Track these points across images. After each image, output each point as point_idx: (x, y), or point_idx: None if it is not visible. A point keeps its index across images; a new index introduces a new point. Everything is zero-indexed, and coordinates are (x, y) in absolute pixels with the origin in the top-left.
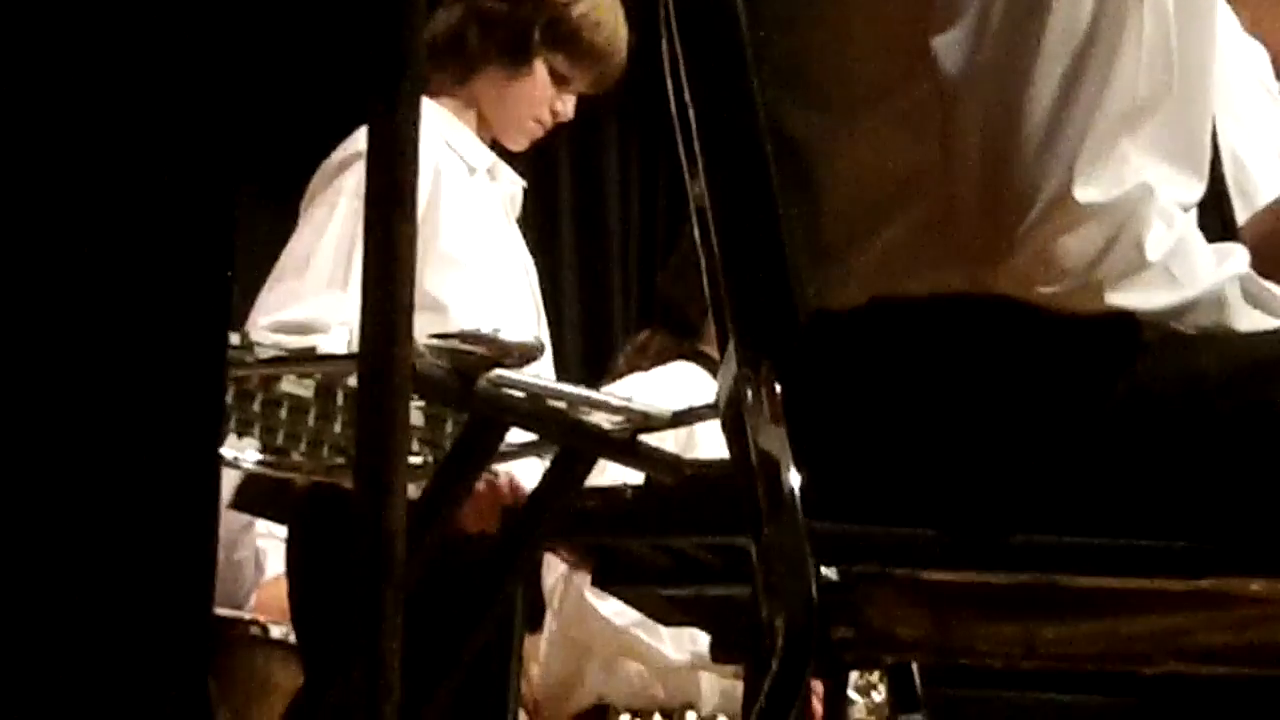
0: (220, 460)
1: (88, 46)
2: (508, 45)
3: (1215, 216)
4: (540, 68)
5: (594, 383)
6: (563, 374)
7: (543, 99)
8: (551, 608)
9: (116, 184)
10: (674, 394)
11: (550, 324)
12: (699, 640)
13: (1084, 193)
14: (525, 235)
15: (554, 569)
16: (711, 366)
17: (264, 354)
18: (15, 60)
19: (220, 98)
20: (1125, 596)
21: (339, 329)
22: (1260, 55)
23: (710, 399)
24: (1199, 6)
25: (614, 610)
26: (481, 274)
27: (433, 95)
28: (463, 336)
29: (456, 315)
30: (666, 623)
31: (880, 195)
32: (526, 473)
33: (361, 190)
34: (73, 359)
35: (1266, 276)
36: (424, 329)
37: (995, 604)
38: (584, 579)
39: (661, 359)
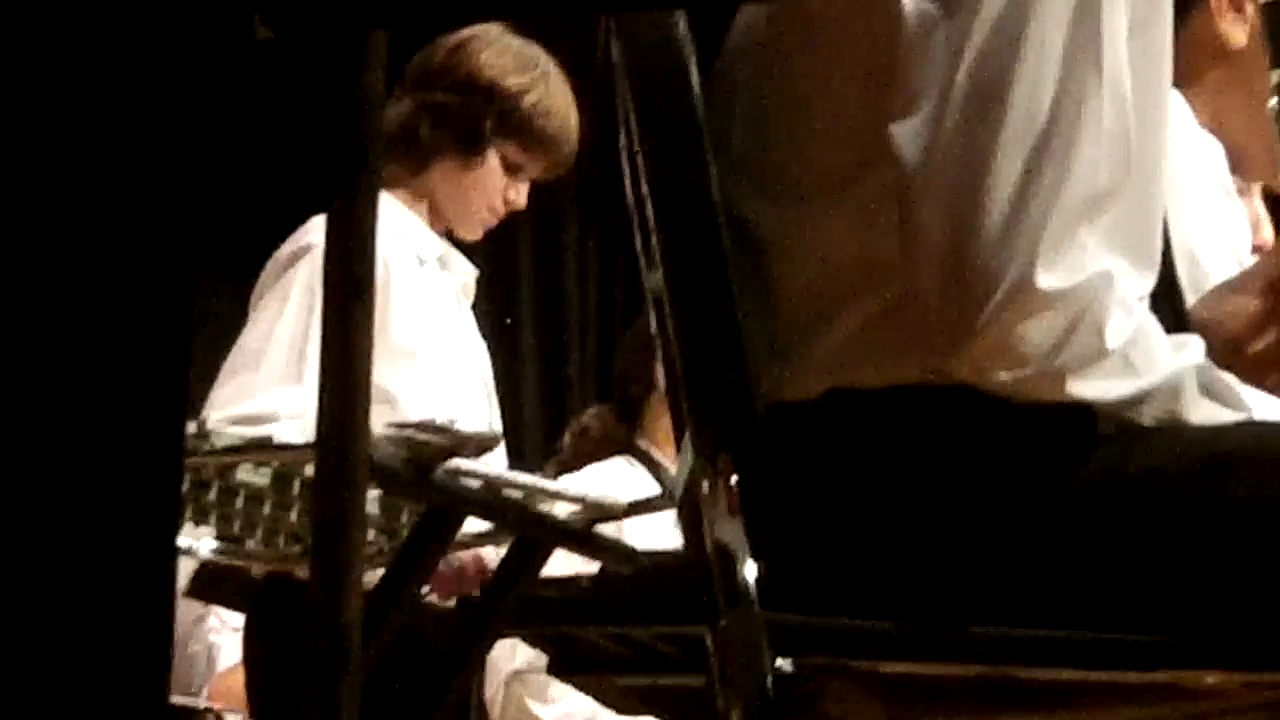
0: (177, 550)
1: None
2: (460, 136)
3: (1168, 309)
4: (493, 157)
5: (544, 464)
6: (522, 458)
7: (496, 188)
8: (492, 715)
9: (76, 267)
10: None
11: (508, 408)
12: None
13: (1045, 280)
14: (483, 320)
15: (495, 677)
16: (647, 462)
17: (220, 443)
18: None
19: (182, 186)
20: (1081, 688)
21: (290, 421)
22: (1215, 150)
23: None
24: (1153, 99)
25: (555, 715)
26: (432, 365)
27: (386, 187)
28: (419, 426)
29: (406, 406)
30: (623, 711)
31: (837, 285)
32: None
33: (313, 283)
34: (28, 447)
35: (1217, 362)
36: (375, 420)
37: (951, 696)
38: (524, 686)
39: (602, 447)
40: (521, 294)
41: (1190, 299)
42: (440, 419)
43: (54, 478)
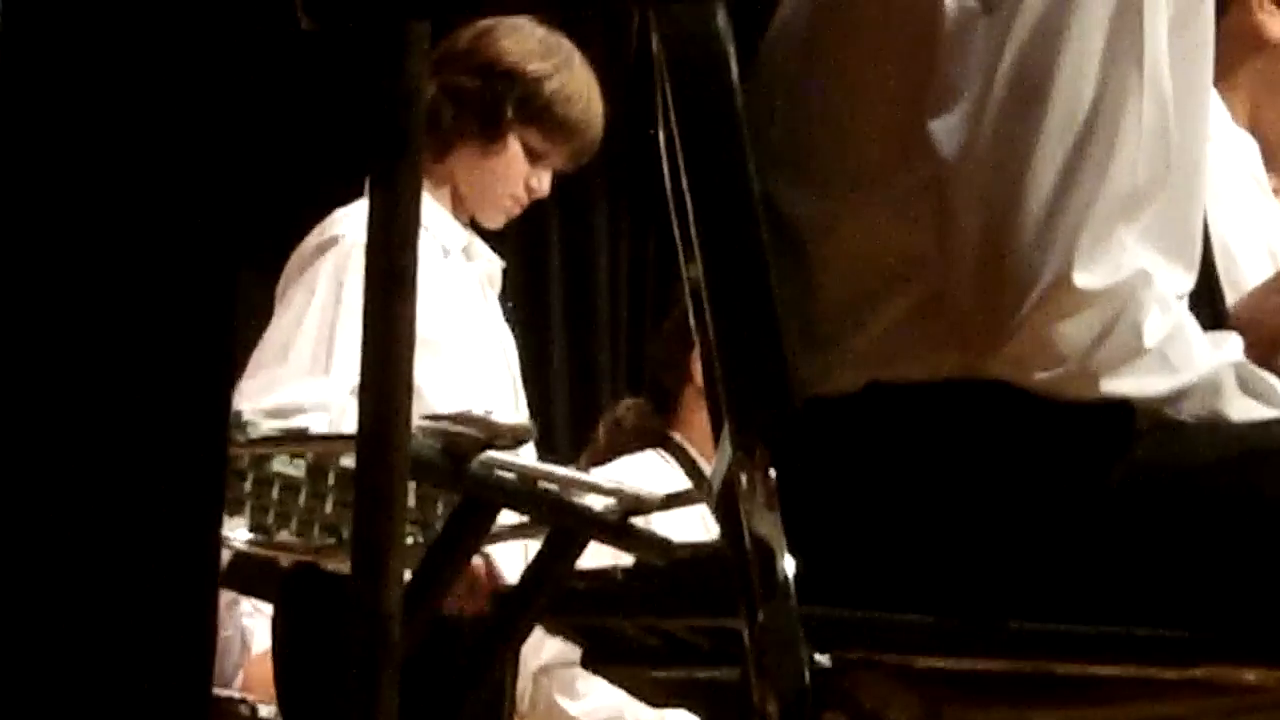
0: (219, 540)
1: (93, 128)
2: (481, 121)
3: (1208, 308)
4: (514, 143)
5: (577, 454)
6: (552, 450)
7: (518, 175)
8: (521, 709)
9: (120, 261)
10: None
11: (538, 397)
12: None
13: (1083, 278)
14: (513, 310)
15: (523, 672)
16: (680, 455)
17: (256, 433)
18: (24, 133)
19: (225, 177)
20: (1118, 684)
21: (315, 413)
22: (1251, 147)
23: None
24: (1194, 97)
25: (583, 710)
26: (457, 356)
27: None
28: (455, 418)
29: (430, 398)
30: (657, 704)
31: (876, 280)
32: (507, 559)
33: (340, 275)
34: (74, 439)
35: (1256, 360)
36: None
37: (988, 690)
38: (553, 681)
39: (636, 439)
40: (551, 285)
41: (1226, 296)
42: (476, 411)
43: (101, 469)
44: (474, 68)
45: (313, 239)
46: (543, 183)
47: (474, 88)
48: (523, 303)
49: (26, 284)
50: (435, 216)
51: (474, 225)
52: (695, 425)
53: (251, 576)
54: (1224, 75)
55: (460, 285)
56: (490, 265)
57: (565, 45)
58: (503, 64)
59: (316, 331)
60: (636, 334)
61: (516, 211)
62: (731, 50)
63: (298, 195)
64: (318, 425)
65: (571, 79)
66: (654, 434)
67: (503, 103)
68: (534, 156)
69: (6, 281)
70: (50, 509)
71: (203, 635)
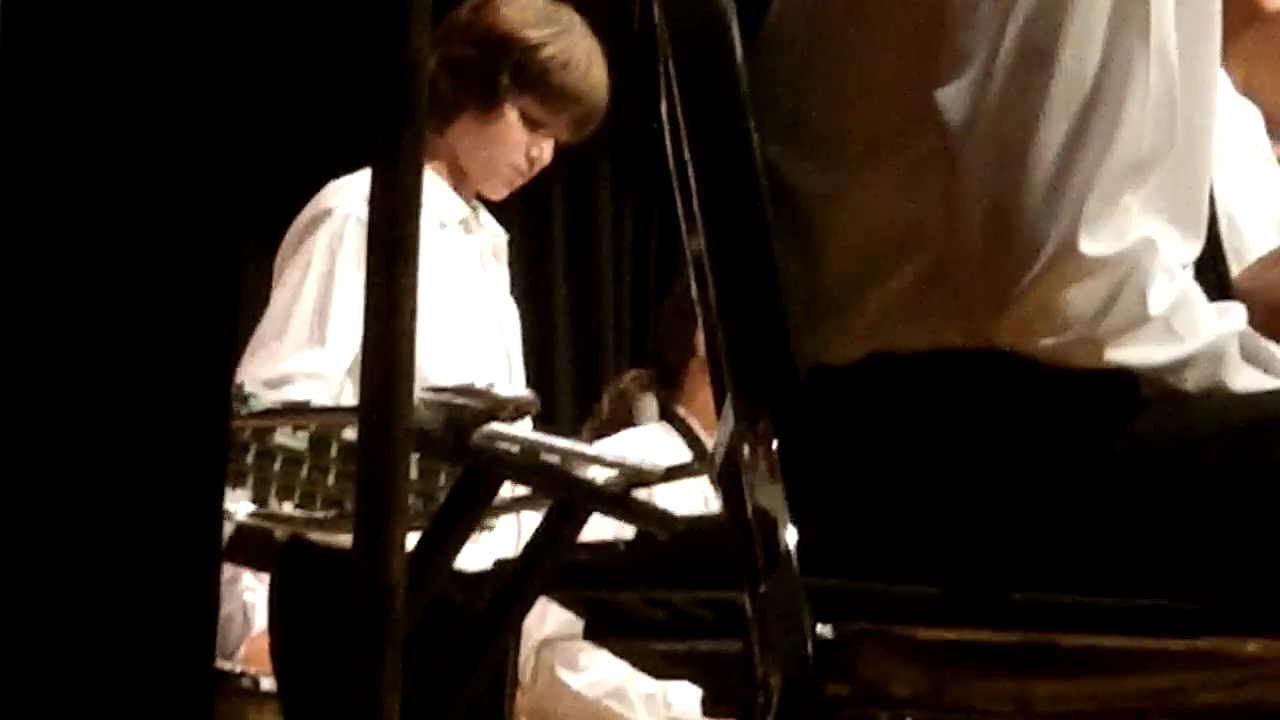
0: (222, 514)
1: (95, 104)
2: (478, 91)
3: (1212, 277)
4: (511, 111)
5: (579, 428)
6: (553, 422)
7: (517, 144)
8: (523, 682)
9: (122, 237)
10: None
11: (541, 371)
12: (673, 707)
13: (1089, 245)
14: (517, 281)
15: (525, 645)
16: (683, 428)
17: (258, 406)
18: (29, 120)
19: (228, 151)
20: (1122, 655)
21: (307, 381)
22: (1254, 116)
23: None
24: (1201, 63)
25: (585, 683)
26: (450, 330)
27: None
28: (457, 390)
29: (426, 370)
30: (659, 676)
31: (880, 249)
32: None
33: (334, 247)
34: (76, 415)
35: (1259, 331)
36: None
37: (991, 661)
38: (555, 654)
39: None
40: (554, 258)
41: (1230, 265)
42: (479, 383)
43: (105, 443)
44: (472, 38)
45: (307, 213)
46: (544, 152)
47: (471, 57)
48: (526, 276)
49: (28, 261)
50: (432, 189)
51: (480, 199)
52: (699, 399)
53: (253, 549)
54: (1223, 46)
55: (455, 258)
56: (494, 238)
57: (566, 13)
58: (498, 31)
59: (312, 305)
60: (640, 307)
61: (519, 182)
62: (734, 22)
63: (300, 170)
64: (311, 395)
65: (570, 46)
66: (657, 407)
67: (499, 71)
68: (533, 125)
69: (6, 258)
70: (52, 483)
71: (205, 608)
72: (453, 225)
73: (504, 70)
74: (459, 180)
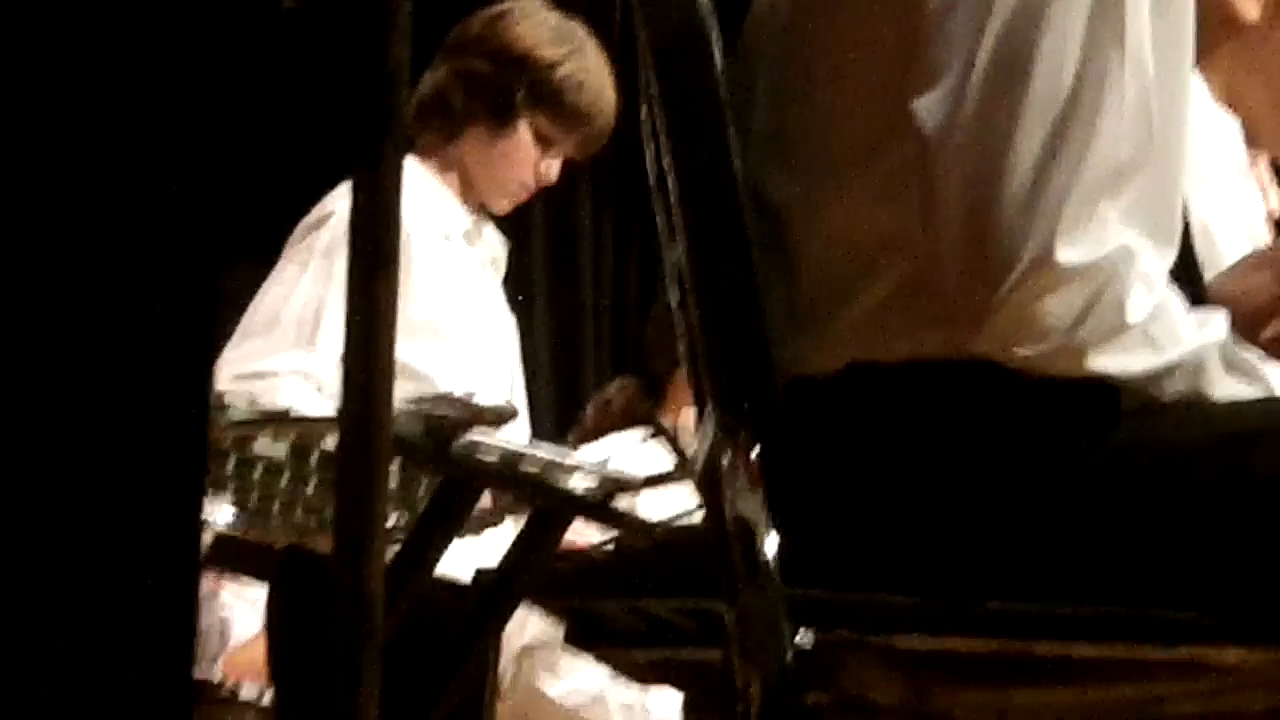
0: (201, 522)
1: (77, 108)
2: (492, 106)
3: (1187, 288)
4: (524, 129)
5: (564, 434)
6: (535, 427)
7: (527, 161)
8: (503, 690)
9: (102, 242)
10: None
11: (525, 378)
12: (650, 715)
13: (1066, 254)
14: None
15: (505, 652)
16: (666, 436)
17: (239, 416)
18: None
19: (207, 159)
20: (1100, 664)
21: (290, 377)
22: (1231, 128)
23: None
24: (1175, 73)
25: (564, 691)
26: (453, 340)
27: (420, 156)
28: (437, 399)
29: (429, 381)
30: (640, 681)
31: (859, 259)
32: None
33: (332, 251)
34: (55, 421)
35: (1240, 336)
36: (396, 395)
37: (971, 671)
38: (534, 662)
39: (624, 420)
40: (535, 267)
41: (1205, 276)
42: (459, 392)
43: (80, 449)
44: (486, 53)
45: (313, 213)
46: (552, 170)
47: (486, 73)
48: (506, 285)
49: (5, 266)
50: (438, 200)
51: (482, 209)
52: (685, 408)
53: (233, 557)
54: (1200, 56)
55: (460, 269)
56: (495, 249)
57: (579, 32)
58: (515, 50)
59: (304, 305)
60: (620, 317)
61: (525, 198)
62: (715, 33)
63: (283, 180)
64: (296, 393)
65: (583, 66)
66: (642, 416)
67: (514, 88)
68: (544, 143)
69: None
70: (30, 490)
71: (185, 616)
72: (456, 237)
73: (519, 87)
74: (465, 191)
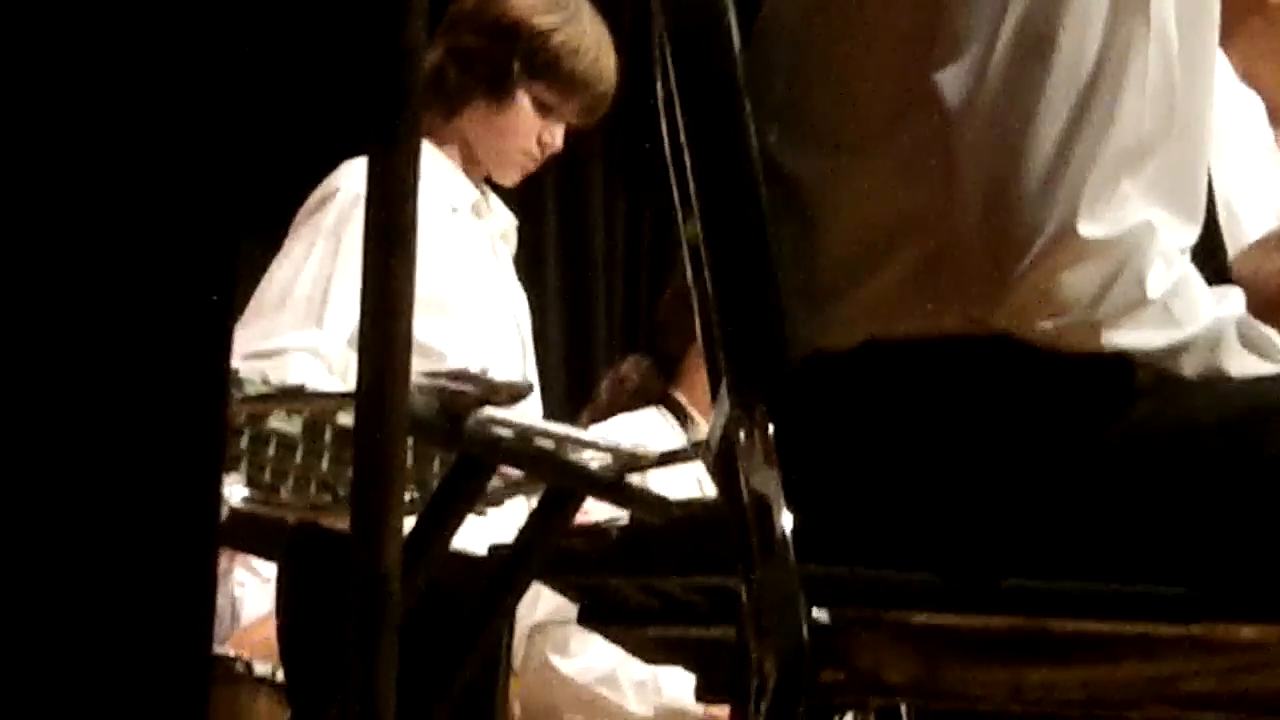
0: (220, 499)
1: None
2: (488, 79)
3: (1210, 263)
4: (524, 98)
5: (575, 412)
6: (546, 405)
7: (529, 130)
8: (515, 668)
9: (121, 222)
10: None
11: (536, 356)
12: (663, 692)
13: (1087, 228)
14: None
15: (518, 629)
16: (680, 414)
17: (254, 391)
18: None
19: (223, 137)
20: (1115, 641)
21: (299, 354)
22: (1255, 105)
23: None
24: (1200, 49)
25: (576, 669)
26: (464, 315)
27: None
28: (451, 376)
29: (440, 356)
30: (652, 661)
31: (878, 235)
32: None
33: (340, 227)
34: (73, 402)
35: (1258, 317)
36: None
37: (984, 648)
38: (546, 639)
39: (638, 398)
40: (547, 244)
41: (1228, 252)
42: (474, 368)
43: (99, 427)
44: (480, 26)
45: (318, 191)
46: (555, 137)
47: (480, 46)
48: (518, 263)
49: (22, 250)
50: (443, 173)
51: (488, 182)
52: (698, 386)
53: (247, 534)
54: (1221, 34)
55: (468, 243)
56: (504, 223)
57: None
58: (508, 19)
59: (312, 283)
60: (632, 295)
61: (532, 168)
62: (731, 8)
63: (298, 158)
64: (306, 371)
65: (579, 31)
66: (656, 394)
67: (510, 58)
68: (545, 111)
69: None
70: (48, 470)
71: (202, 593)
72: (464, 210)
73: (515, 58)
74: (469, 165)
